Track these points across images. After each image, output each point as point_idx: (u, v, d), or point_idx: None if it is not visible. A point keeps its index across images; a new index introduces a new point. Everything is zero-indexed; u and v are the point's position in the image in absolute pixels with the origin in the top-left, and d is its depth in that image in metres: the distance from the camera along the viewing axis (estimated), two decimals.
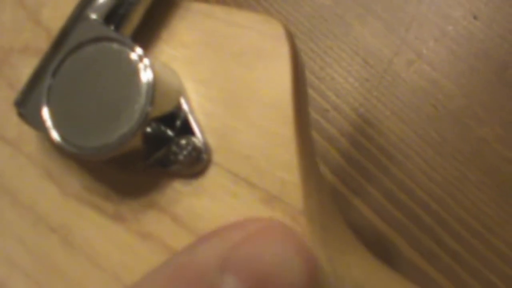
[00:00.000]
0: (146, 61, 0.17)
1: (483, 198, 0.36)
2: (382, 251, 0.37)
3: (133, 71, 0.17)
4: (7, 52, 0.21)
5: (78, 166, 0.19)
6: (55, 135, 0.17)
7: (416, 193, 0.37)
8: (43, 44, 0.20)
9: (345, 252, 0.19)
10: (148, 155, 0.18)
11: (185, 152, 0.18)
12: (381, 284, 0.19)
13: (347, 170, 0.38)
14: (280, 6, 0.41)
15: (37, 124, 0.18)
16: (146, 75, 0.17)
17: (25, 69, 0.20)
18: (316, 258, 0.16)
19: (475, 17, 0.38)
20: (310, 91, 0.39)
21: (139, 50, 0.17)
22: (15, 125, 0.20)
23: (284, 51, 0.18)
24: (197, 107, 0.19)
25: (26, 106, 0.18)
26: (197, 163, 0.18)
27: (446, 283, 0.36)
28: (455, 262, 0.36)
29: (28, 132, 0.20)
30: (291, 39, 0.19)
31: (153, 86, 0.17)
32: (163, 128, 0.18)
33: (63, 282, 0.19)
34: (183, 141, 0.18)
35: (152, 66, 0.17)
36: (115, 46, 0.17)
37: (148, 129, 0.18)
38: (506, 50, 0.37)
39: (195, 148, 0.18)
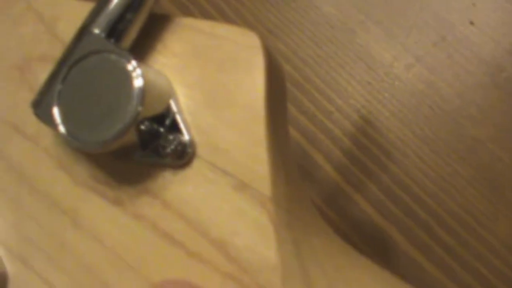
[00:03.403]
0: (138, 70, 0.20)
1: (475, 195, 0.38)
2: (379, 243, 0.39)
3: (127, 79, 0.20)
4: (28, 60, 0.24)
5: (85, 157, 0.23)
6: (63, 131, 0.21)
7: (412, 189, 0.39)
8: (58, 53, 0.24)
9: (311, 235, 0.21)
10: (143, 149, 0.22)
11: (172, 146, 0.21)
12: (344, 264, 0.22)
13: (348, 168, 0.41)
14: (288, 13, 0.44)
15: (49, 122, 0.21)
16: (137, 82, 0.20)
17: (43, 75, 0.23)
18: None
19: (471, 23, 0.40)
20: (316, 94, 0.42)
21: (133, 62, 0.20)
22: (34, 123, 0.23)
23: (258, 59, 0.21)
24: (185, 108, 0.22)
25: (40, 107, 0.21)
26: (182, 155, 0.21)
27: (439, 274, 0.38)
28: (448, 255, 0.38)
29: (44, 129, 0.23)
30: (266, 49, 0.21)
31: (143, 91, 0.20)
32: (155, 126, 0.22)
33: (72, 257, 0.22)
34: (170, 137, 0.21)
35: (143, 75, 0.20)
36: (113, 57, 0.20)
37: (142, 127, 0.21)
38: (500, 54, 0.39)
39: (181, 143, 0.21)
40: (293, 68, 0.42)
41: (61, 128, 0.21)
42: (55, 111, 0.21)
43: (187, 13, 0.44)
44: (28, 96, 0.24)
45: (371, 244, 0.39)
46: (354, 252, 0.24)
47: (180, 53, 0.22)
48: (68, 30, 0.24)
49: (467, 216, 0.38)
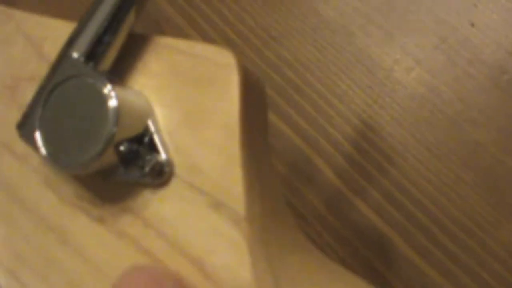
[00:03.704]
0: (112, 93, 0.20)
1: (477, 199, 0.38)
2: (380, 248, 0.39)
3: (103, 101, 0.21)
4: (17, 80, 0.25)
5: (71, 177, 0.23)
6: (44, 154, 0.21)
7: (413, 194, 0.39)
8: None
9: (288, 252, 0.22)
10: (125, 168, 0.22)
11: (149, 166, 0.21)
12: (323, 281, 0.22)
13: (349, 172, 0.41)
14: (289, 19, 0.44)
15: (32, 144, 0.22)
16: (112, 104, 0.20)
17: (32, 94, 0.24)
18: None
19: (472, 25, 0.40)
20: (317, 99, 0.42)
21: (108, 85, 0.21)
22: (23, 143, 0.24)
23: (233, 78, 0.21)
24: (163, 128, 0.22)
25: (24, 129, 0.22)
26: (160, 175, 0.21)
27: (440, 280, 0.38)
28: (450, 260, 0.38)
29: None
30: (241, 67, 0.22)
31: (118, 112, 0.20)
32: (135, 146, 0.22)
33: (58, 272, 0.23)
34: (148, 157, 0.21)
35: (118, 97, 0.20)
36: (90, 81, 0.21)
37: (122, 148, 0.22)
38: (502, 56, 0.39)
39: (158, 163, 0.21)
40: (294, 73, 0.43)
41: (43, 151, 0.21)
42: (37, 135, 0.21)
43: (189, 19, 0.45)
44: (17, 115, 0.25)
45: (372, 249, 0.39)
46: (336, 267, 0.24)
47: (159, 73, 0.23)
48: (54, 50, 0.25)
49: (469, 221, 0.38)
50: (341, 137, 0.41)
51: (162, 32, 0.44)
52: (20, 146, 0.25)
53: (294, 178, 0.42)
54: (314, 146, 0.41)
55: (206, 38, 0.44)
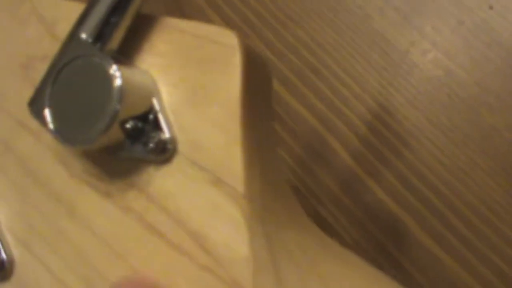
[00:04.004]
0: (117, 72, 0.21)
1: (492, 185, 0.37)
2: (394, 232, 0.39)
3: (108, 81, 0.21)
4: (31, 60, 0.26)
5: (81, 152, 0.24)
6: (52, 130, 0.22)
7: (427, 178, 0.39)
8: None
9: (287, 230, 0.22)
10: (131, 145, 0.23)
11: (153, 143, 0.22)
12: (322, 259, 0.23)
13: (364, 155, 0.41)
14: (307, 0, 0.44)
15: (42, 121, 0.23)
16: (116, 83, 0.21)
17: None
18: None
19: (490, 7, 0.39)
20: (333, 80, 0.42)
21: (113, 66, 0.21)
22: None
23: (236, 59, 0.22)
24: (168, 107, 0.23)
25: (35, 107, 0.23)
26: (163, 152, 0.22)
27: (453, 264, 0.38)
28: (463, 245, 0.38)
29: None
30: (244, 48, 0.22)
31: (122, 91, 0.21)
32: (140, 124, 0.23)
33: (67, 244, 0.24)
34: (152, 134, 0.22)
35: (122, 76, 0.21)
36: (96, 61, 0.22)
37: (128, 125, 0.22)
38: None
39: (161, 140, 0.22)
40: (312, 55, 0.43)
41: (51, 127, 0.22)
42: (46, 112, 0.22)
43: (209, 0, 0.45)
44: (31, 93, 0.26)
45: (386, 232, 0.39)
46: (336, 246, 0.24)
47: (165, 53, 0.23)
48: (67, 31, 0.25)
49: (483, 206, 0.37)
50: (357, 119, 0.41)
51: (182, 12, 0.45)
52: (35, 123, 0.26)
53: (309, 159, 0.42)
54: (330, 127, 0.42)
55: (225, 19, 0.45)
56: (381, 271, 0.23)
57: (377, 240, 0.39)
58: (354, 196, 0.40)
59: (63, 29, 0.26)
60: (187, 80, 0.23)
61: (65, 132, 0.22)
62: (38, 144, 0.25)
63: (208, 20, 0.44)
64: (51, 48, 0.26)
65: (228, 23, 0.43)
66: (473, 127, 0.38)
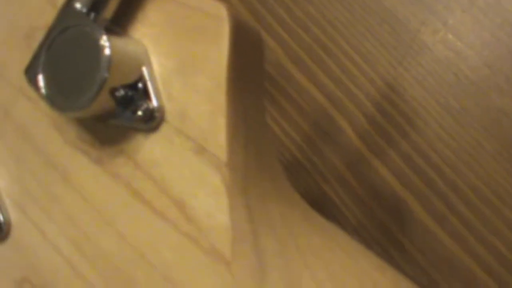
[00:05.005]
0: (106, 42, 0.22)
1: (497, 168, 0.37)
2: (397, 212, 0.39)
3: (98, 50, 0.22)
4: (33, 29, 0.27)
5: (75, 121, 0.25)
6: (44, 96, 0.23)
7: (433, 159, 0.39)
8: None
9: (271, 202, 0.22)
10: (122, 113, 0.23)
11: (140, 111, 0.22)
12: (304, 232, 0.23)
13: (371, 134, 0.40)
14: None
15: (36, 87, 0.23)
16: (105, 52, 0.21)
17: None
18: None
19: None
20: (342, 58, 0.42)
21: (103, 36, 0.22)
22: None
23: (224, 30, 0.22)
24: (158, 75, 0.23)
25: (31, 73, 0.24)
26: (151, 120, 0.23)
27: (453, 245, 0.37)
28: (464, 227, 0.37)
29: None
30: (234, 20, 0.22)
31: (110, 61, 0.21)
32: (130, 92, 0.23)
33: (60, 209, 0.25)
34: (141, 103, 0.23)
35: (111, 46, 0.21)
36: (87, 30, 0.22)
37: (117, 93, 0.23)
38: None
39: (149, 109, 0.22)
40: (321, 31, 0.42)
41: (43, 93, 0.23)
42: (39, 78, 0.23)
43: None
44: None
45: (389, 211, 0.39)
46: (323, 222, 0.24)
47: (157, 23, 0.24)
48: None
49: (487, 189, 0.37)
50: (365, 98, 0.41)
51: None
52: (33, 91, 0.26)
53: (316, 137, 0.42)
54: (337, 106, 0.41)
55: None
56: (379, 251, 0.23)
57: (379, 219, 0.39)
58: (359, 175, 0.40)
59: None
60: (177, 50, 0.23)
61: (56, 99, 0.23)
62: (35, 110, 0.26)
63: None
64: (52, 18, 0.26)
65: None
66: (481, 110, 0.37)
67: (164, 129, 0.23)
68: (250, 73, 0.23)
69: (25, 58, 0.27)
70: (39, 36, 0.27)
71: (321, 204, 0.40)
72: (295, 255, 0.22)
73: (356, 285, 0.22)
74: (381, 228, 0.40)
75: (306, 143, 0.42)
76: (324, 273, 0.21)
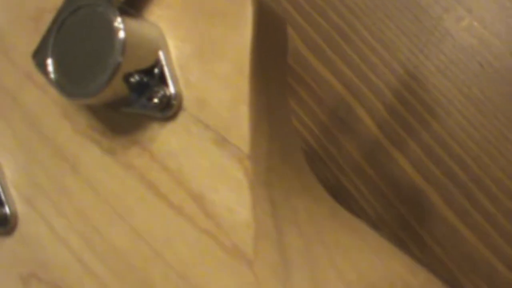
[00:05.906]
0: (121, 24, 0.20)
1: None
2: (416, 204, 0.38)
3: (111, 31, 0.20)
4: (41, 12, 0.25)
5: (85, 107, 0.23)
6: (53, 81, 0.21)
7: (454, 150, 0.37)
8: None
9: (295, 196, 0.21)
10: (136, 100, 0.22)
11: (156, 99, 0.21)
12: (330, 228, 0.21)
13: (390, 123, 0.39)
14: None
15: (44, 72, 0.22)
16: (120, 35, 0.20)
17: None
18: None
19: None
20: (361, 45, 0.40)
21: (118, 18, 0.20)
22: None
23: (247, 14, 0.20)
24: (175, 61, 0.22)
25: (38, 57, 0.22)
26: (167, 108, 0.21)
27: (476, 241, 0.36)
28: (486, 221, 0.36)
29: None
30: (256, 3, 0.21)
31: (124, 43, 0.20)
32: (145, 78, 0.22)
33: (69, 201, 0.23)
34: (157, 89, 0.21)
35: (126, 28, 0.20)
36: (100, 10, 0.21)
37: (132, 79, 0.21)
38: None
39: (165, 96, 0.21)
40: (340, 17, 0.41)
41: (52, 78, 0.21)
42: (48, 62, 0.22)
43: None
44: None
45: (408, 204, 0.38)
46: (350, 217, 0.23)
47: (174, 5, 0.22)
48: None
49: (510, 182, 0.35)
50: (384, 87, 0.39)
51: None
52: (41, 76, 0.25)
53: (333, 126, 0.40)
54: (356, 94, 0.40)
55: None
56: (397, 245, 0.22)
57: (397, 211, 0.38)
58: (377, 166, 0.39)
59: None
60: (196, 34, 0.21)
61: (66, 84, 0.21)
62: (44, 97, 0.25)
63: None
64: (60, 0, 0.25)
65: None
66: (505, 100, 0.36)
67: (181, 117, 0.21)
68: (274, 59, 0.22)
69: (33, 41, 0.25)
70: (47, 19, 0.25)
71: (338, 196, 0.38)
72: (321, 253, 0.20)
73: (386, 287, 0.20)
74: (399, 220, 0.38)
75: (323, 133, 0.41)
76: (352, 274, 0.20)
